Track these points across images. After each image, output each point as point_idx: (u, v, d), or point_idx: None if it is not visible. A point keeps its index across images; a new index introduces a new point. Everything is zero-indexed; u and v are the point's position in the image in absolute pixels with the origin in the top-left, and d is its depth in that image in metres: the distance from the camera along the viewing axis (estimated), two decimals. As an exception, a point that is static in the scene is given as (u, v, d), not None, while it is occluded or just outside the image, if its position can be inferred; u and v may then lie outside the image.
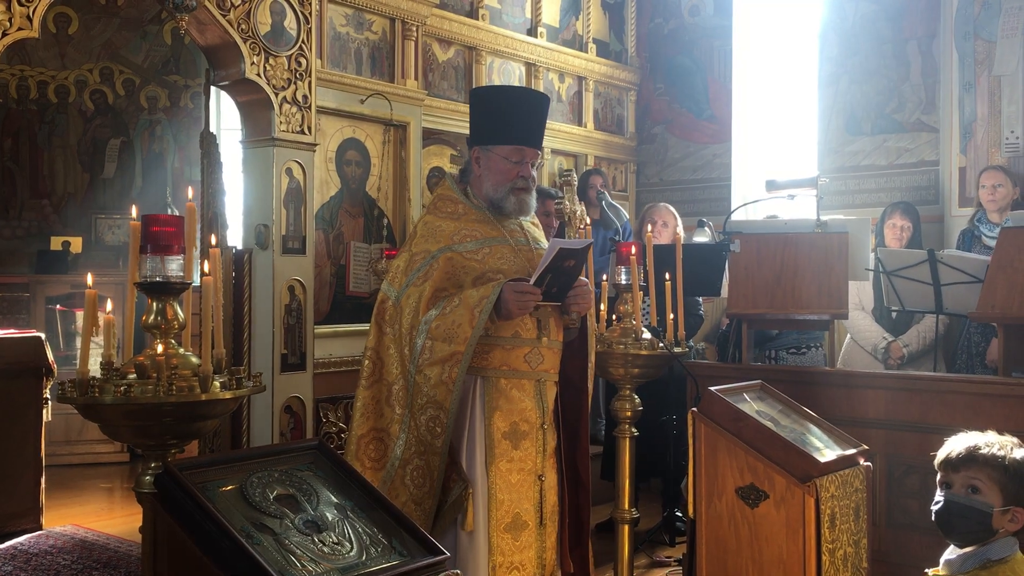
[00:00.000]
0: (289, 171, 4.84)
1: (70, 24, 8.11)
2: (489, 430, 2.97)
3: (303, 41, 4.84)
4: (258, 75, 4.65)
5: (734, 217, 4.97)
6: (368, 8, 5.54)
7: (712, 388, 3.27)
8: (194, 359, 2.27)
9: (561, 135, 7.17)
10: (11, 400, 4.88)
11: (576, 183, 3.30)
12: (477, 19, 6.46)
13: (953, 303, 4.49)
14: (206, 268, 2.31)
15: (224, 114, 8.10)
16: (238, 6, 4.54)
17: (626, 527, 3.70)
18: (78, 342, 5.44)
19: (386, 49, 5.68)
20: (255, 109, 4.78)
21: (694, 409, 3.25)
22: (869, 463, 3.26)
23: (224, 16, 4.49)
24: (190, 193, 2.42)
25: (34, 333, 5.20)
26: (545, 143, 7.00)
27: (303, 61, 4.84)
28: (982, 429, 2.42)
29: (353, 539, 1.98)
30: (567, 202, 3.26)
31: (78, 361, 2.24)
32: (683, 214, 5.88)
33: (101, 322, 2.58)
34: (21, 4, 3.81)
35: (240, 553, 1.79)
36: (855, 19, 6.58)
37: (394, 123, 5.61)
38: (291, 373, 4.84)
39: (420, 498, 2.86)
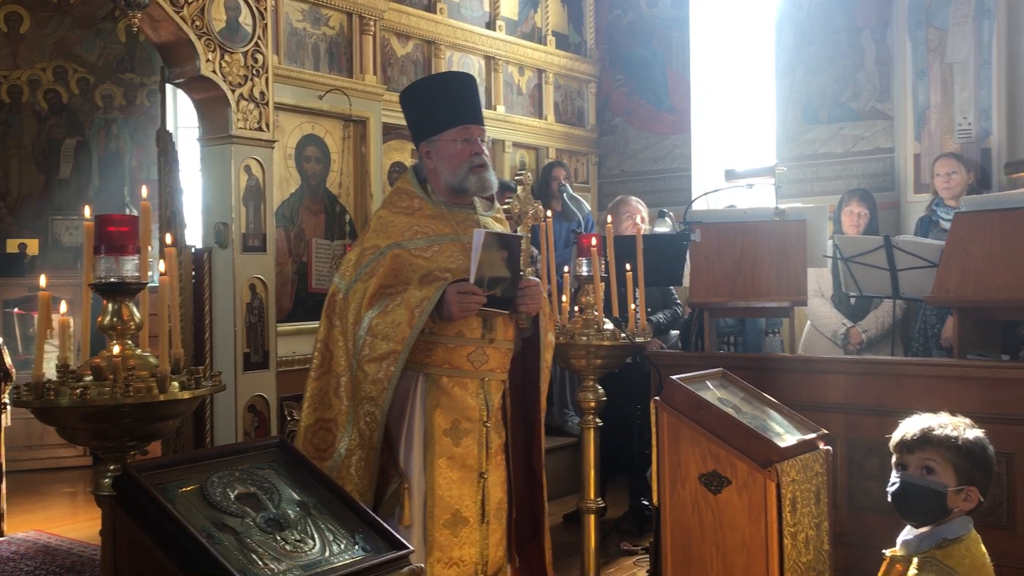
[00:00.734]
0: (248, 168, 4.80)
1: (22, 23, 7.97)
2: (429, 427, 2.96)
3: (259, 37, 4.79)
4: (214, 72, 4.60)
5: (695, 207, 5.01)
6: (325, 3, 5.51)
7: (674, 377, 3.30)
8: (152, 360, 2.25)
9: (522, 128, 7.18)
10: (-32, 406, 4.81)
11: (530, 183, 3.29)
12: (435, 13, 6.44)
13: (909, 288, 4.56)
14: (163, 268, 2.29)
15: (182, 112, 8.01)
16: (192, 2, 4.49)
17: (592, 517, 3.72)
18: (36, 345, 5.36)
19: (344, 44, 5.64)
20: (212, 106, 4.73)
21: (656, 398, 3.28)
22: (829, 447, 3.31)
23: (178, 13, 4.44)
24: (145, 192, 2.39)
25: (-10, 337, 5.12)
26: (506, 136, 7.06)
27: (259, 57, 4.80)
28: (938, 411, 2.46)
29: (316, 536, 1.98)
30: (517, 201, 3.23)
31: (34, 364, 2.22)
32: (645, 205, 5.93)
33: (56, 324, 2.56)
34: (-32, 3, 3.75)
35: (201, 553, 1.78)
36: (810, 8, 6.65)
37: (353, 119, 5.58)
38: (254, 372, 4.81)
39: (363, 490, 2.87)
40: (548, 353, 3.27)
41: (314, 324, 5.24)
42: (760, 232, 4.51)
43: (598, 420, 3.75)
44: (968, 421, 2.40)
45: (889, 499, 2.38)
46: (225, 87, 4.64)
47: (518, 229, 3.24)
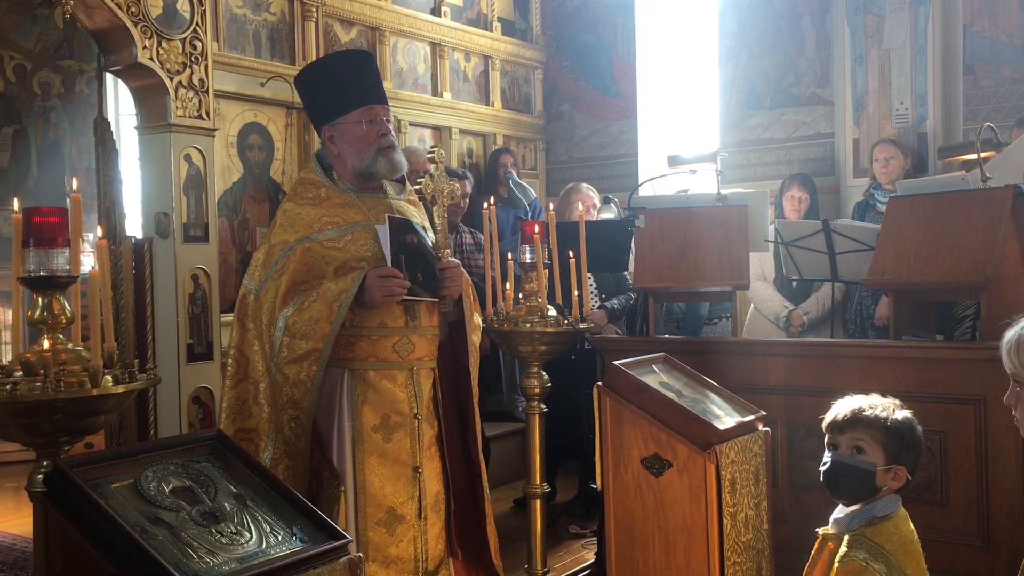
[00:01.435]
0: (188, 157, 4.73)
1: (-46, 9, 7.76)
2: (358, 424, 2.86)
3: (197, 24, 4.71)
4: (151, 59, 4.52)
5: (641, 193, 5.05)
6: (265, -11, 5.44)
7: (616, 362, 3.33)
8: (85, 354, 2.22)
9: (469, 115, 7.16)
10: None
11: (442, 161, 3.20)
12: (379, -1, 6.39)
13: (847, 271, 4.65)
14: (92, 261, 2.25)
15: (123, 100, 7.85)
16: (128, -12, 4.41)
17: (537, 502, 3.75)
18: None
19: (285, 30, 5.58)
20: (150, 94, 4.65)
21: (599, 383, 3.31)
22: (768, 428, 3.38)
23: (113, -1, 4.36)
24: (75, 184, 2.35)
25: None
26: (453, 123, 7.05)
27: (198, 44, 4.72)
28: (875, 391, 2.52)
29: (252, 528, 1.97)
30: (428, 181, 3.14)
31: (-37, 360, 2.18)
32: (596, 191, 5.97)
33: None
34: None
35: (134, 549, 1.77)
36: (752, -6, 6.72)
37: (296, 106, 5.52)
38: (198, 363, 4.75)
39: None
40: (476, 335, 3.19)
41: (259, 314, 5.27)
42: (702, 217, 4.56)
43: (543, 406, 3.78)
44: (897, 402, 2.47)
45: (821, 478, 2.44)
46: (163, 75, 4.56)
47: (433, 210, 3.15)
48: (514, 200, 6.18)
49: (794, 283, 5.37)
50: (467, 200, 5.62)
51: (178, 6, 4.66)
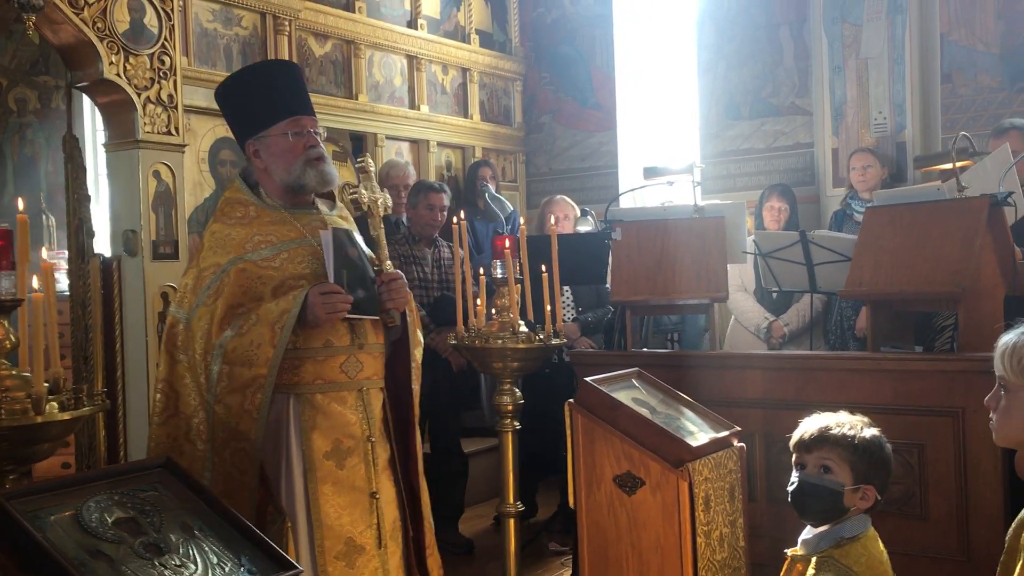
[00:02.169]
0: (157, 174, 4.67)
1: (-73, 25, 7.67)
2: (308, 452, 2.68)
3: (165, 39, 4.66)
4: (118, 75, 4.46)
5: (620, 204, 5.01)
6: (236, 3, 5.38)
7: (587, 379, 3.28)
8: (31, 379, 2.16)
9: (447, 128, 7.11)
10: None
11: (372, 169, 3.08)
12: (354, 12, 6.34)
13: (826, 282, 4.61)
14: (36, 284, 2.19)
15: (98, 116, 7.78)
16: (92, 4, 4.34)
17: (511, 521, 3.68)
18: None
19: (258, 45, 5.52)
20: (117, 111, 4.60)
21: (570, 400, 3.26)
22: (743, 444, 3.32)
23: (78, 15, 4.29)
24: (20, 205, 2.29)
25: None
26: (431, 136, 7.00)
27: (167, 59, 4.67)
28: (852, 403, 2.48)
29: (198, 559, 1.90)
30: (363, 191, 3.02)
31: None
32: (576, 204, 5.92)
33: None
34: None
35: (70, 584, 1.70)
36: (730, 5, 6.70)
37: (270, 120, 5.47)
38: (169, 383, 4.67)
39: None
40: (418, 351, 3.04)
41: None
42: (679, 230, 4.52)
43: (516, 423, 3.72)
44: (866, 420, 2.41)
45: (788, 499, 2.38)
46: (130, 90, 4.50)
47: (369, 222, 3.03)
48: (490, 214, 6.13)
49: (774, 294, 5.33)
50: (444, 213, 5.57)
51: (146, 21, 4.61)
